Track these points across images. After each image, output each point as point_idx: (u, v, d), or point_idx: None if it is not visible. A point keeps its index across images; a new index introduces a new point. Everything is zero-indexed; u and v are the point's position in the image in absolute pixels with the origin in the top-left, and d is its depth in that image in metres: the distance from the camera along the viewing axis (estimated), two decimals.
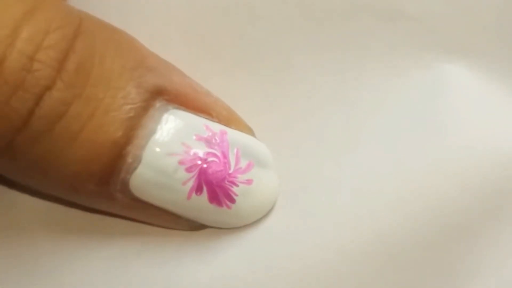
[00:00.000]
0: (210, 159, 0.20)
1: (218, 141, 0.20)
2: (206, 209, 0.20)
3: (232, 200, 0.20)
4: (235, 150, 0.20)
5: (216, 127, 0.20)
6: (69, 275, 0.21)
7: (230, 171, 0.20)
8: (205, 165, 0.19)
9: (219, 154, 0.20)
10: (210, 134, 0.20)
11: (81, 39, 0.19)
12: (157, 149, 0.19)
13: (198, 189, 0.19)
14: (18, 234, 0.22)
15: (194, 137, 0.20)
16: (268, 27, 0.22)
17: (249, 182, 0.20)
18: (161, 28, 0.22)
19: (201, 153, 0.19)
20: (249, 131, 0.21)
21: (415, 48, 0.22)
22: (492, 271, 0.20)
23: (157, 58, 0.20)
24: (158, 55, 0.21)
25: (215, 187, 0.20)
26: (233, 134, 0.20)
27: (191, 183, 0.19)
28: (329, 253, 0.20)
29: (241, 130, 0.21)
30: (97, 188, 0.19)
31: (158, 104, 0.20)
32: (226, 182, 0.20)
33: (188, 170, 0.19)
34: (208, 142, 0.20)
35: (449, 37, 0.22)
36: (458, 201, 0.20)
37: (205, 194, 0.20)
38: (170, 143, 0.19)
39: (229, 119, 0.21)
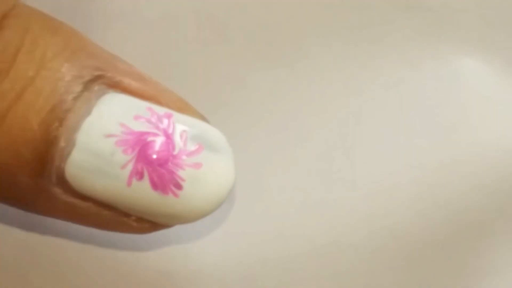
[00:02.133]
0: (150, 138, 0.18)
1: (161, 122, 0.18)
2: (150, 198, 0.18)
3: (179, 187, 0.18)
4: (181, 131, 0.18)
5: (161, 110, 0.18)
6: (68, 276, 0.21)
7: (175, 153, 0.18)
8: (145, 145, 0.17)
9: (161, 133, 0.18)
10: (152, 114, 0.18)
11: (11, 17, 0.18)
12: (92, 131, 0.17)
13: (139, 173, 0.17)
14: (17, 236, 0.21)
15: (133, 117, 0.18)
16: (283, 14, 0.22)
17: (197, 165, 0.18)
18: (174, 10, 0.22)
19: (141, 133, 0.18)
20: (202, 119, 0.19)
21: (431, 39, 0.21)
22: (507, 269, 0.20)
23: (103, 49, 0.19)
24: (106, 49, 0.19)
25: (157, 169, 0.17)
26: (180, 117, 0.18)
27: (130, 167, 0.17)
28: (342, 251, 0.20)
29: (193, 117, 0.19)
30: (32, 182, 0.18)
31: (96, 87, 0.18)
32: (170, 164, 0.18)
33: (126, 151, 0.17)
34: (149, 122, 0.18)
35: (467, 30, 0.21)
36: (472, 197, 0.20)
37: (146, 179, 0.17)
38: (107, 123, 0.18)
39: (180, 108, 0.19)
